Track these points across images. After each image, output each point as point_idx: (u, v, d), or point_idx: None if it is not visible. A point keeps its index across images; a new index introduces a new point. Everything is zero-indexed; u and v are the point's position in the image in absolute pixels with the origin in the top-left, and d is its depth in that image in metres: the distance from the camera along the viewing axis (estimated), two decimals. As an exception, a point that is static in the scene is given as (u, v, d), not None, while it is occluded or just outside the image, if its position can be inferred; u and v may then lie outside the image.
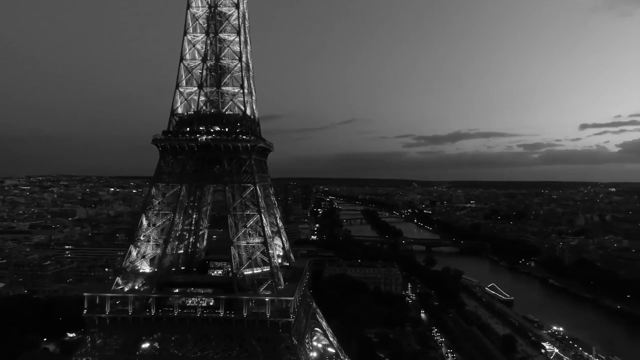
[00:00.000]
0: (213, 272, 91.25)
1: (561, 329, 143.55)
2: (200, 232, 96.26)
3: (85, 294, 75.37)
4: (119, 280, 77.62)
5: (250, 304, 75.11)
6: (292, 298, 73.71)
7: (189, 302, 75.89)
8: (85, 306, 74.56)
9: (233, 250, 78.13)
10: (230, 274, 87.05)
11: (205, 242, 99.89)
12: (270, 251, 79.39)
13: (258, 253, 79.47)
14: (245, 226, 79.15)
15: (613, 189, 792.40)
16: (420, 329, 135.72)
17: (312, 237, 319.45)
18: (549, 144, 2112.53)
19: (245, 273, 77.72)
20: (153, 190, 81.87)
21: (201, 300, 75.87)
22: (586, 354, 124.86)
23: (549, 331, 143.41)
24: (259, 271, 78.48)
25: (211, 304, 75.66)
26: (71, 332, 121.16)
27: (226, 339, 73.60)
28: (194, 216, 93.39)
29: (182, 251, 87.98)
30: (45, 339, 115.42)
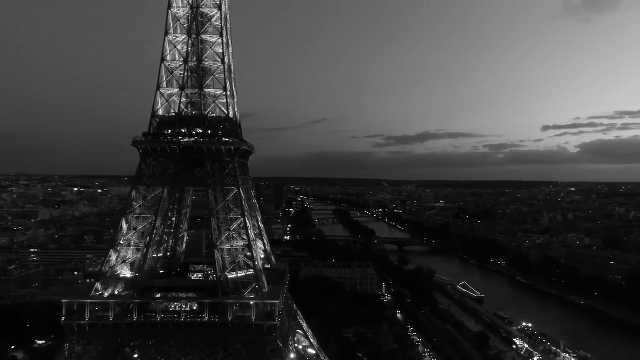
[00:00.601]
0: (193, 275, 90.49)
1: (530, 325, 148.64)
2: (180, 235, 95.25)
3: (63, 300, 73.05)
4: (98, 285, 75.61)
5: (235, 308, 74.82)
6: (278, 301, 73.86)
7: (172, 307, 74.83)
8: (64, 313, 72.25)
9: (217, 254, 77.54)
10: (211, 277, 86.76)
11: (184, 245, 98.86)
12: (254, 254, 79.24)
13: (242, 256, 79.14)
14: (229, 229, 78.73)
15: (573, 189, 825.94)
16: (396, 328, 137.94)
17: (286, 237, 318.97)
18: (513, 145, 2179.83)
19: (229, 277, 77.22)
20: (133, 193, 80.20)
21: (184, 305, 74.90)
22: (554, 348, 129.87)
23: (519, 327, 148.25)
24: (242, 274, 78.17)
25: (195, 308, 74.86)
26: (40, 339, 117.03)
27: (211, 343, 73.13)
28: (174, 219, 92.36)
29: (161, 255, 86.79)
30: (13, 347, 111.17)
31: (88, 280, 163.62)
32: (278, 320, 72.99)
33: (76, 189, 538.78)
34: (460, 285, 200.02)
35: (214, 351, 72.74)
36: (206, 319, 72.72)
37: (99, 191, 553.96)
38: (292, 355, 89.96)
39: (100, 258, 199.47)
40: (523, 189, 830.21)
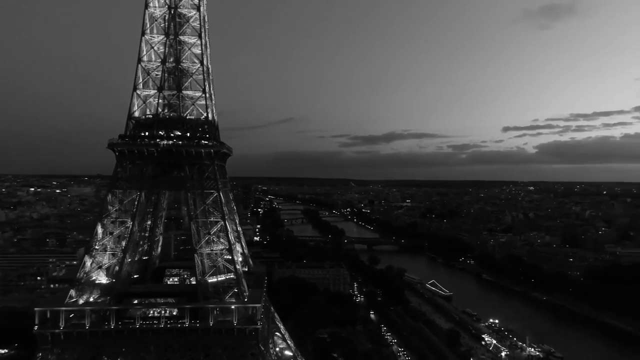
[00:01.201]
0: (169, 279, 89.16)
1: (497, 321, 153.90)
2: (156, 239, 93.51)
3: (36, 309, 70.34)
4: (72, 292, 73.29)
5: (215, 312, 74.21)
6: (259, 305, 73.78)
7: (151, 312, 73.46)
8: (37, 322, 69.61)
9: (196, 258, 76.64)
10: (188, 281, 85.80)
11: (159, 249, 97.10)
12: (235, 258, 78.76)
13: (222, 260, 78.48)
14: (209, 233, 77.94)
15: (532, 188, 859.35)
16: (370, 328, 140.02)
17: (255, 238, 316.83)
18: (475, 145, 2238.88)
19: (209, 281, 76.48)
20: (109, 196, 78.14)
21: (164, 310, 73.68)
22: (520, 343, 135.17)
23: (486, 324, 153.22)
24: (223, 278, 77.55)
25: (174, 313, 73.77)
26: (2, 349, 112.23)
27: (192, 348, 72.20)
28: (149, 222, 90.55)
29: (136, 259, 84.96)
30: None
31: (52, 285, 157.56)
32: (260, 324, 72.92)
33: (32, 189, 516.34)
34: (429, 284, 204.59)
35: (195, 357, 71.87)
36: (187, 324, 71.85)
37: (58, 191, 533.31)
38: (272, 359, 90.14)
39: (64, 262, 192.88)
40: (485, 188, 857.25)
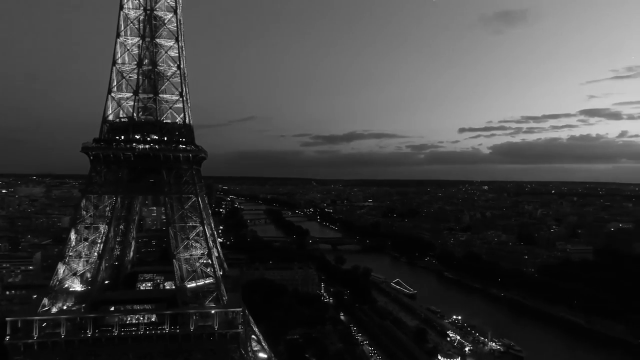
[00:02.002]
0: (142, 285, 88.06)
1: (460, 317, 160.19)
2: (128, 243, 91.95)
3: (7, 318, 67.95)
4: (45, 301, 71.22)
5: (195, 317, 74.08)
6: (240, 309, 74.28)
7: (129, 319, 72.45)
8: (8, 332, 67.23)
9: (175, 263, 76.14)
10: (162, 286, 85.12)
11: (132, 254, 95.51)
12: (214, 262, 78.81)
13: (200, 265, 78.38)
14: (188, 238, 77.64)
15: (486, 187, 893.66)
16: (340, 327, 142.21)
17: (219, 239, 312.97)
18: (433, 146, 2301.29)
19: (188, 286, 76.22)
20: (83, 201, 76.32)
21: (142, 316, 72.85)
22: (482, 338, 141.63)
23: (450, 320, 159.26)
24: (202, 283, 77.54)
25: (153, 319, 73.09)
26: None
27: (171, 354, 71.77)
28: (121, 227, 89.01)
29: (108, 265, 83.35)
30: None
31: (8, 292, 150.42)
32: (241, 328, 73.45)
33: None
34: (394, 283, 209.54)
35: (174, 361, 71.47)
36: (167, 330, 71.30)
37: (4, 191, 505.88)
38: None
39: (18, 267, 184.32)
40: (442, 187, 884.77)
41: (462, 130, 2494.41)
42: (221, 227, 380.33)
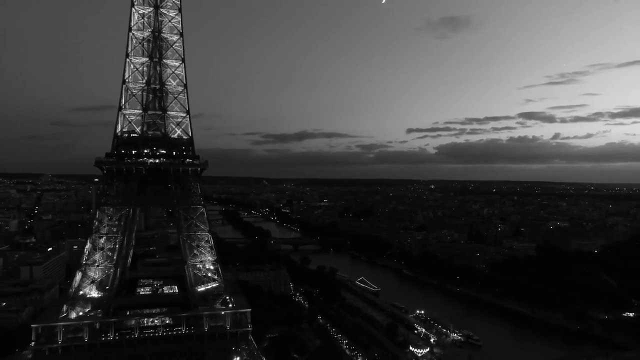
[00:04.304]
0: (141, 290, 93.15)
1: (423, 311, 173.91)
2: (129, 252, 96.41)
3: (33, 325, 71.58)
4: (65, 307, 75.30)
5: (206, 318, 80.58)
6: (249, 310, 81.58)
7: (145, 322, 77.87)
8: (33, 338, 70.98)
9: (186, 270, 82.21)
10: (161, 290, 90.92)
11: (129, 261, 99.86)
12: (219, 267, 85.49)
13: (208, 270, 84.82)
14: (198, 246, 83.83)
15: (432, 186, 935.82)
16: (315, 325, 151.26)
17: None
18: (382, 145, 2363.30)
19: (198, 290, 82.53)
20: (98, 213, 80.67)
21: (157, 319, 78.51)
22: (444, 330, 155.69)
23: (414, 315, 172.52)
24: (209, 287, 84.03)
25: (167, 322, 78.90)
26: None
27: (187, 353, 77.92)
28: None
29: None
30: None
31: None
32: (250, 327, 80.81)
33: None
34: (358, 281, 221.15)
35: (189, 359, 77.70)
36: (183, 331, 77.40)
37: None
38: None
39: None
40: (392, 186, 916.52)
41: (410, 130, 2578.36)
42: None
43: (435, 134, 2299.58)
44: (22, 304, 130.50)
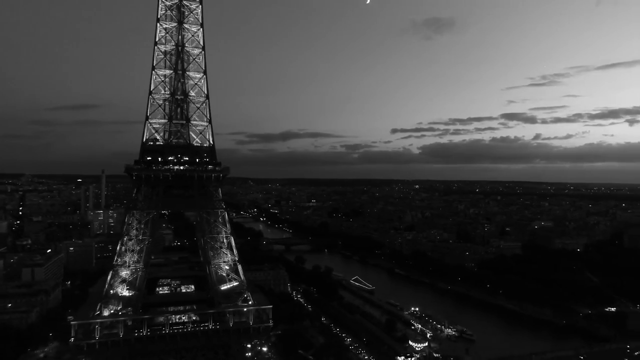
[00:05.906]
0: (160, 289, 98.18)
1: (417, 309, 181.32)
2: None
3: (72, 322, 76.25)
4: (99, 305, 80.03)
5: (229, 315, 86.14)
6: (271, 306, 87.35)
7: (173, 319, 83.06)
8: (72, 334, 75.65)
9: (208, 269, 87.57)
10: (178, 289, 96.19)
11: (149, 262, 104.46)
12: (240, 267, 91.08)
13: (229, 270, 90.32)
14: (221, 247, 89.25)
15: (417, 186, 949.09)
16: (317, 323, 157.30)
17: (174, 242, 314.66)
18: (367, 145, 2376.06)
19: (221, 289, 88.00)
20: (127, 217, 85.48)
21: (184, 316, 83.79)
22: (439, 326, 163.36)
23: (409, 312, 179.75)
24: (231, 286, 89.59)
25: (194, 318, 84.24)
26: None
27: (213, 348, 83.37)
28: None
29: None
30: None
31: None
32: (272, 322, 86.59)
33: None
34: (353, 280, 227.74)
35: (216, 355, 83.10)
36: (210, 326, 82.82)
37: None
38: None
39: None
40: (377, 186, 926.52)
41: (394, 130, 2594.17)
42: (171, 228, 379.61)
43: (419, 134, 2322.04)
44: (29, 305, 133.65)
